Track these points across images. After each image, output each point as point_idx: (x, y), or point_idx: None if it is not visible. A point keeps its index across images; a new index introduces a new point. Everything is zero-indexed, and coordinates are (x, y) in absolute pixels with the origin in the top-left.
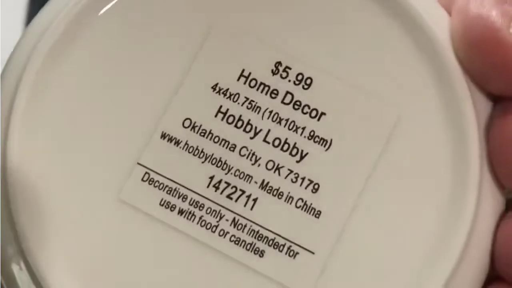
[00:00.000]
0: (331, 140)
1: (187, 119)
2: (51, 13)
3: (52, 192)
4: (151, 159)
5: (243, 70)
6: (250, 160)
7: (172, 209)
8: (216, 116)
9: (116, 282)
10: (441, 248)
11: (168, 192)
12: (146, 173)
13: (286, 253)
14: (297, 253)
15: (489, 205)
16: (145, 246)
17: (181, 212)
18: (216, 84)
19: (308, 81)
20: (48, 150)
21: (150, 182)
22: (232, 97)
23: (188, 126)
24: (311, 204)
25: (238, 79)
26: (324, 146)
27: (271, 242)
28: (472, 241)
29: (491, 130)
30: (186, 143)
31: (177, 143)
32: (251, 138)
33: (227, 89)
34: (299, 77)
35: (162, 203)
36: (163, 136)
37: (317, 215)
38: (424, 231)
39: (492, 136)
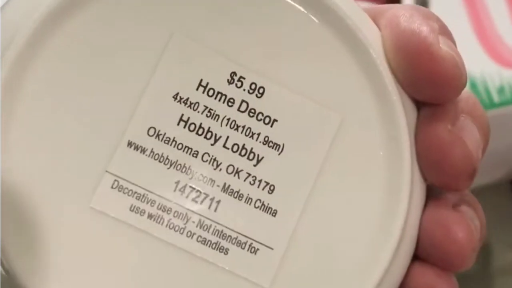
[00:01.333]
0: (283, 145)
1: (151, 127)
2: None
3: (28, 200)
4: (119, 166)
5: (201, 80)
6: (212, 165)
7: (142, 214)
8: (178, 124)
9: (90, 284)
10: (382, 236)
11: (137, 198)
12: (115, 180)
13: (247, 250)
14: (258, 249)
15: (418, 197)
16: (117, 249)
17: (150, 216)
18: (177, 94)
19: (261, 90)
20: (21, 157)
21: (120, 189)
22: (192, 106)
23: (153, 135)
24: (268, 204)
25: (197, 89)
26: (277, 150)
27: (234, 240)
28: (406, 230)
29: (417, 133)
30: (151, 151)
31: (143, 151)
32: (212, 144)
33: (187, 98)
34: (253, 86)
35: (132, 208)
36: (130, 144)
37: (273, 214)
38: (367, 222)
39: (419, 138)
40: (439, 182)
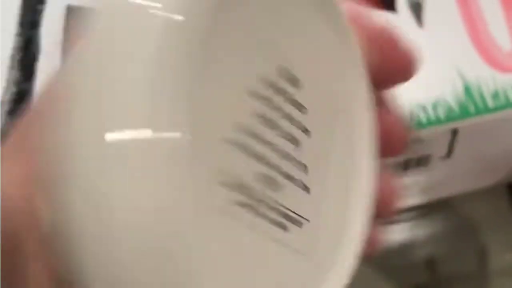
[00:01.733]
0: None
1: (237, 122)
2: None
3: None
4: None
5: (260, 74)
6: (276, 153)
7: (237, 203)
8: (252, 117)
9: None
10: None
11: (235, 188)
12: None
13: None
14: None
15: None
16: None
17: (241, 204)
18: (253, 90)
19: (296, 82)
20: None
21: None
22: (261, 100)
23: (243, 131)
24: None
25: (260, 83)
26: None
27: (289, 218)
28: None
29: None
30: (247, 147)
31: (241, 146)
32: (274, 132)
33: (257, 92)
34: (291, 77)
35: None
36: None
37: (308, 191)
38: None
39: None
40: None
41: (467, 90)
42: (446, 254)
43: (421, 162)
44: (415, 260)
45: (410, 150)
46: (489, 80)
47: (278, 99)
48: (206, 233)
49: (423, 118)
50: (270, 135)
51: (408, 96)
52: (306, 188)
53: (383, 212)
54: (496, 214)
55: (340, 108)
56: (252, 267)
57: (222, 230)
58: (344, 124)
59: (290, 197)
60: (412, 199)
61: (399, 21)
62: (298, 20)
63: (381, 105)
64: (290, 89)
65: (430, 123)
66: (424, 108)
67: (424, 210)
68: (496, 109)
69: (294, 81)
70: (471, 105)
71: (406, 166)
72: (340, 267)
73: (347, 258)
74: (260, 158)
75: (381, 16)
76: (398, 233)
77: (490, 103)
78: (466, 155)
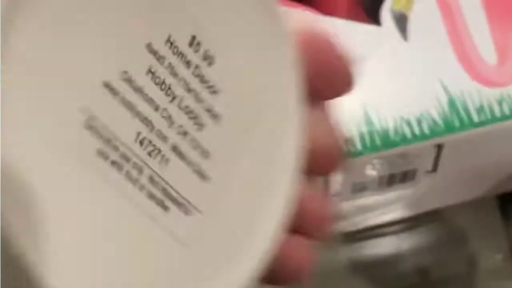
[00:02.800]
0: (222, 116)
1: (125, 71)
2: None
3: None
4: (94, 105)
5: (169, 35)
6: (167, 122)
7: (106, 159)
8: (146, 74)
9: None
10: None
11: (105, 142)
12: (87, 119)
13: (183, 211)
14: (190, 211)
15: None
16: (79, 191)
17: (113, 163)
18: (150, 43)
19: (212, 60)
20: None
21: (90, 129)
22: (160, 59)
23: (126, 80)
24: (203, 169)
25: (165, 44)
26: (216, 120)
27: (174, 200)
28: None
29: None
30: (122, 96)
31: (116, 94)
32: (170, 101)
33: (157, 51)
34: (206, 54)
35: (99, 152)
36: (105, 85)
37: (205, 180)
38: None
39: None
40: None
41: (452, 104)
42: (436, 262)
43: (407, 176)
44: (404, 270)
45: (395, 165)
46: (474, 94)
47: (183, 68)
48: (61, 181)
49: (407, 133)
50: (162, 100)
51: (392, 110)
52: (203, 176)
53: (311, 233)
54: (485, 226)
55: (265, 103)
56: (116, 238)
57: (83, 184)
58: (268, 123)
59: (178, 177)
60: (398, 213)
61: (383, 34)
62: None
63: (316, 116)
64: (200, 63)
65: (415, 138)
66: (408, 123)
67: (412, 223)
68: (481, 123)
69: (206, 57)
70: (456, 119)
71: (391, 181)
72: (233, 277)
73: (243, 270)
74: (145, 120)
75: (320, 22)
76: (385, 246)
77: (475, 117)
78: (451, 169)
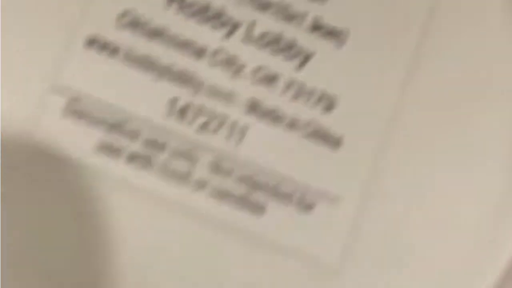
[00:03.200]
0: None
1: (125, 12)
2: None
3: None
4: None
5: None
6: (226, 71)
7: (116, 155)
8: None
9: None
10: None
11: (108, 128)
12: (69, 101)
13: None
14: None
15: None
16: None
17: (131, 158)
18: None
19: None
20: None
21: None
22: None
23: (127, 23)
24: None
25: None
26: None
27: (271, 191)
28: None
29: None
30: (127, 51)
31: (114, 51)
32: (225, 37)
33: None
34: None
35: (99, 146)
36: (89, 42)
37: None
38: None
39: None
40: None
41: None
42: None
43: None
44: None
45: None
46: None
47: None
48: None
49: None
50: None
51: None
52: None
53: None
54: None
55: None
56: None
57: None
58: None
59: None
60: None
61: None
62: None
63: None
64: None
65: None
66: None
67: None
68: None
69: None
70: None
71: None
72: None
73: None
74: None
75: None
76: None
77: None
78: None
